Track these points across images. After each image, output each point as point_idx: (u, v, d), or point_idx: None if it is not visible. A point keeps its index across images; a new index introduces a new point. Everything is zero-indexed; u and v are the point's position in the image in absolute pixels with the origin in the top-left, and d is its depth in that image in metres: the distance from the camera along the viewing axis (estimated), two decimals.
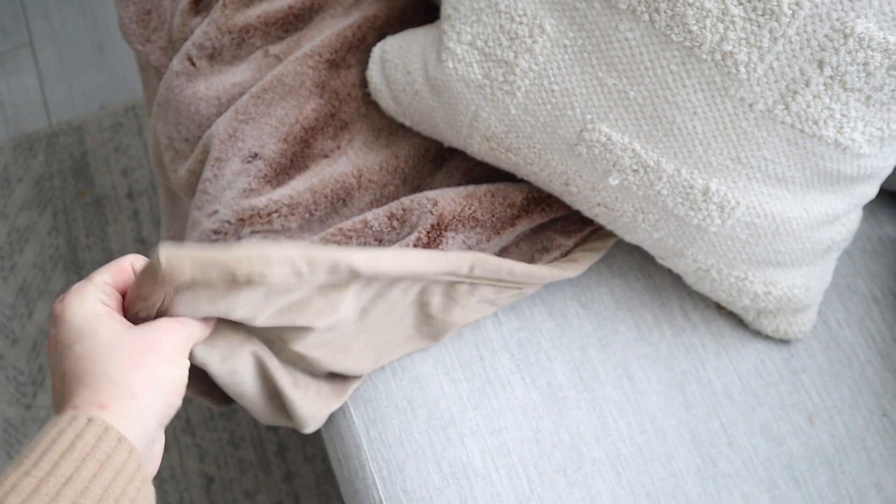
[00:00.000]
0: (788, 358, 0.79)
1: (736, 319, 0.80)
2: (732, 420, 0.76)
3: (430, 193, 0.70)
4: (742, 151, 0.61)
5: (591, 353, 0.77)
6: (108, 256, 1.40)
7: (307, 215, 0.74)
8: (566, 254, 0.75)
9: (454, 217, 0.69)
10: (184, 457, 1.29)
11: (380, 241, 0.69)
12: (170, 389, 0.46)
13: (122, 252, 1.40)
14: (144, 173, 1.44)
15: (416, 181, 0.77)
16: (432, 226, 0.68)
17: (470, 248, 0.70)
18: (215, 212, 0.74)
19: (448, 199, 0.70)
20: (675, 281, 0.80)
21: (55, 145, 1.47)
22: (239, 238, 0.73)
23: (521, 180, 0.75)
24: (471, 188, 0.72)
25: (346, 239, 0.69)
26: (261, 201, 0.72)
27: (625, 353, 0.77)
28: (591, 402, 0.75)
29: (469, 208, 0.70)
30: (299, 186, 0.74)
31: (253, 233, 0.73)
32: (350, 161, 0.76)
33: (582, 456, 0.73)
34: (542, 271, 0.71)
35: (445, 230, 0.69)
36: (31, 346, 1.35)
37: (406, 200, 0.70)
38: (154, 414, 0.45)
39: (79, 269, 1.39)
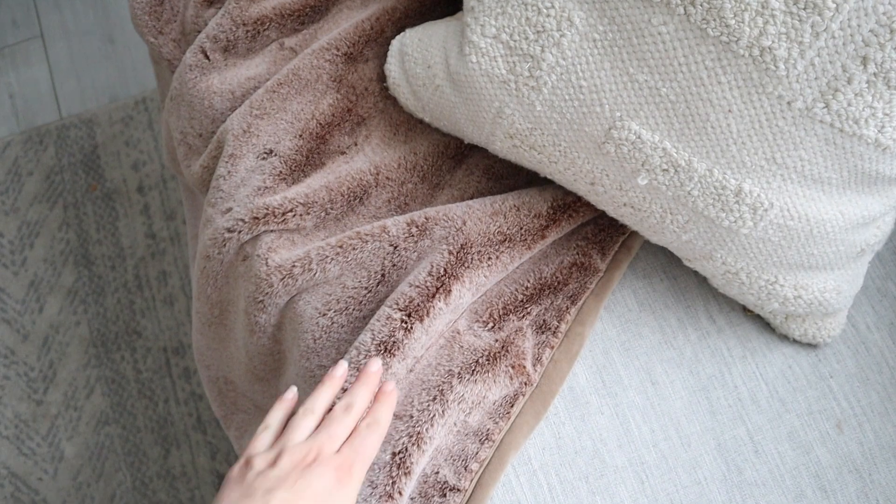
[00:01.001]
0: (816, 363, 0.77)
1: (762, 322, 0.77)
2: (759, 427, 0.73)
3: (457, 209, 0.68)
4: (778, 151, 0.58)
5: (614, 357, 0.74)
6: (119, 251, 1.38)
7: (323, 214, 0.72)
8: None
9: (481, 235, 0.67)
10: (195, 455, 1.28)
11: (395, 248, 0.67)
12: None
13: (133, 247, 1.38)
14: (155, 167, 1.42)
15: (434, 178, 0.75)
16: (461, 245, 0.66)
17: (502, 264, 0.68)
18: (229, 209, 0.72)
19: (475, 218, 0.68)
20: (700, 282, 0.77)
21: (66, 139, 1.45)
22: (253, 236, 0.72)
23: (544, 182, 0.72)
24: (496, 204, 0.70)
25: (362, 243, 0.67)
26: (275, 199, 0.70)
27: (648, 357, 0.75)
28: (614, 407, 0.73)
29: (495, 225, 0.68)
30: (315, 184, 0.72)
31: (267, 231, 0.71)
32: (367, 158, 0.74)
33: (604, 463, 0.71)
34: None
35: (472, 248, 0.67)
36: (42, 341, 1.34)
37: (431, 211, 0.68)
38: None
39: (89, 265, 1.37)
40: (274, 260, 0.70)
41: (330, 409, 0.57)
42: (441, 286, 0.65)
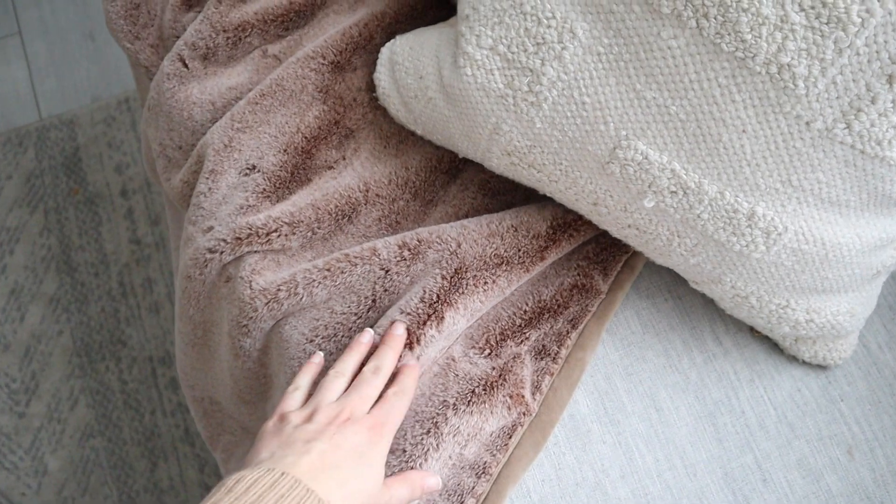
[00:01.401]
0: (826, 385, 0.73)
1: (770, 343, 0.74)
2: (767, 454, 0.70)
3: (451, 231, 0.64)
4: (794, 173, 0.54)
5: (617, 382, 0.71)
6: (103, 258, 1.34)
7: (309, 234, 0.68)
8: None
9: (476, 258, 0.63)
10: (183, 468, 1.24)
11: (386, 272, 0.63)
12: (371, 490, 0.52)
13: (116, 253, 1.34)
14: (139, 170, 1.38)
15: (427, 195, 0.71)
16: (456, 270, 0.62)
17: (499, 288, 0.64)
18: (210, 228, 0.68)
19: (470, 240, 0.64)
20: (706, 302, 0.74)
21: (46, 140, 1.41)
22: (236, 257, 0.68)
23: (543, 198, 0.69)
24: (493, 224, 0.66)
25: (351, 266, 0.63)
26: (259, 219, 0.66)
27: (652, 382, 0.71)
28: (617, 435, 0.69)
29: (491, 247, 0.64)
30: (301, 202, 0.68)
31: (251, 252, 0.67)
32: (356, 173, 0.70)
33: (607, 495, 0.68)
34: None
35: (467, 272, 0.63)
36: (24, 351, 1.30)
37: (423, 232, 0.64)
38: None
39: (72, 272, 1.33)
40: (258, 283, 0.66)
41: (358, 373, 0.60)
42: (434, 313, 0.61)
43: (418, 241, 0.63)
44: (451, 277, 0.62)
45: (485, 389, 0.64)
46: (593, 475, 0.68)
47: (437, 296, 0.62)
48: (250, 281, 0.66)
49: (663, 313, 0.74)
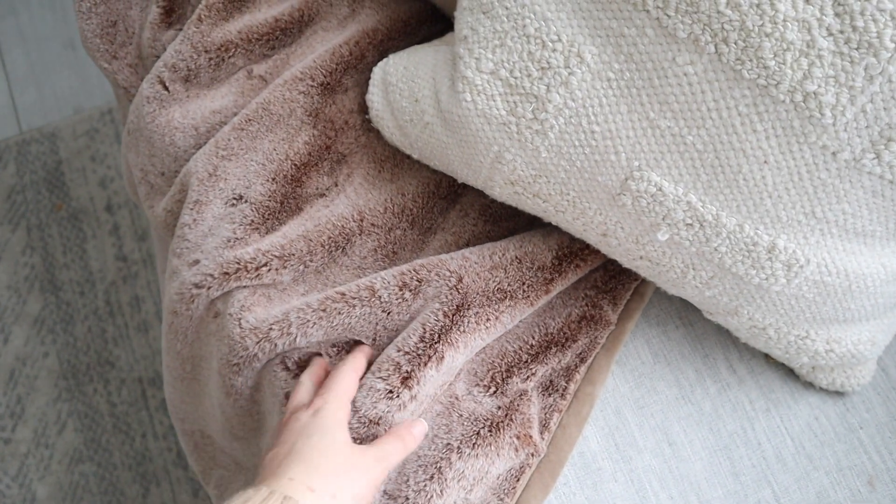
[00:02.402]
0: (844, 412, 0.70)
1: (786, 369, 0.71)
2: (785, 488, 0.67)
3: (451, 264, 0.61)
4: (818, 205, 0.51)
5: (628, 416, 0.68)
6: (88, 276, 1.30)
7: (301, 267, 0.64)
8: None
9: (479, 294, 0.60)
10: (176, 492, 1.20)
11: (388, 314, 0.60)
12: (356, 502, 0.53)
13: (103, 271, 1.30)
14: (124, 184, 1.34)
15: (426, 223, 0.67)
16: (457, 307, 0.59)
17: (502, 324, 0.61)
18: (196, 262, 0.64)
19: (472, 273, 0.60)
20: (719, 328, 0.71)
21: (26, 154, 1.36)
22: (224, 292, 0.64)
23: (548, 224, 0.65)
24: (496, 256, 0.62)
25: (349, 307, 0.59)
26: (248, 252, 0.63)
27: (665, 415, 0.68)
28: (629, 473, 0.66)
29: (494, 280, 0.61)
30: (291, 233, 0.64)
31: (240, 287, 0.64)
32: (349, 200, 0.66)
33: None
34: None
35: (469, 309, 0.59)
36: (8, 374, 1.25)
37: (422, 270, 0.60)
38: None
39: (57, 291, 1.29)
40: (248, 321, 0.62)
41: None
42: (434, 354, 0.58)
43: (418, 280, 0.60)
44: (453, 315, 0.59)
45: (490, 431, 0.61)
46: None
47: (439, 335, 0.58)
48: (240, 318, 0.63)
49: (674, 341, 0.70)
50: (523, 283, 0.61)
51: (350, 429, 0.57)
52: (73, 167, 1.36)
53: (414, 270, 0.60)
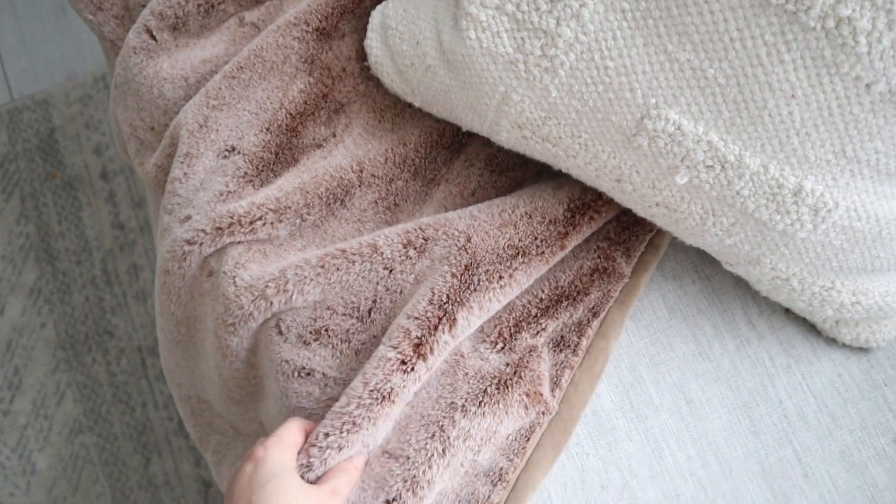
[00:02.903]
0: (868, 369, 0.67)
1: (807, 325, 0.68)
2: (807, 447, 0.64)
3: (459, 222, 0.57)
4: (849, 143, 0.48)
5: (643, 373, 0.65)
6: (84, 244, 1.27)
7: (298, 220, 0.61)
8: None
9: (489, 252, 0.57)
10: (178, 461, 1.19)
11: (390, 272, 0.57)
12: None
13: (99, 239, 1.27)
14: (117, 146, 1.30)
15: (428, 173, 0.64)
16: (466, 266, 0.56)
17: (517, 283, 0.58)
18: (188, 217, 0.61)
19: (481, 231, 0.57)
20: (737, 282, 0.67)
21: (19, 122, 1.33)
22: (218, 248, 0.61)
23: (557, 174, 0.62)
24: (505, 213, 0.59)
25: (348, 263, 0.56)
26: (241, 206, 0.60)
27: (681, 372, 0.65)
28: (645, 432, 0.63)
29: (505, 237, 0.57)
30: (287, 186, 0.61)
31: (234, 243, 0.61)
32: (348, 151, 0.63)
33: (635, 498, 0.62)
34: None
35: (479, 267, 0.56)
36: (5, 346, 1.23)
37: (428, 229, 0.57)
38: None
39: (52, 260, 1.26)
40: (243, 278, 0.59)
41: None
42: (444, 315, 0.55)
43: (424, 238, 0.57)
44: (462, 275, 0.56)
45: (498, 388, 0.58)
46: (620, 476, 0.62)
47: (447, 296, 0.55)
48: (234, 276, 0.60)
49: (691, 296, 0.67)
50: (535, 239, 0.58)
51: (361, 404, 0.54)
52: (66, 135, 1.32)
53: (419, 229, 0.57)
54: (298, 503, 0.50)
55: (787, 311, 0.68)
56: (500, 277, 0.56)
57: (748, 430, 0.64)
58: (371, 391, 0.53)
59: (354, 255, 0.56)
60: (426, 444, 0.56)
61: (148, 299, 1.25)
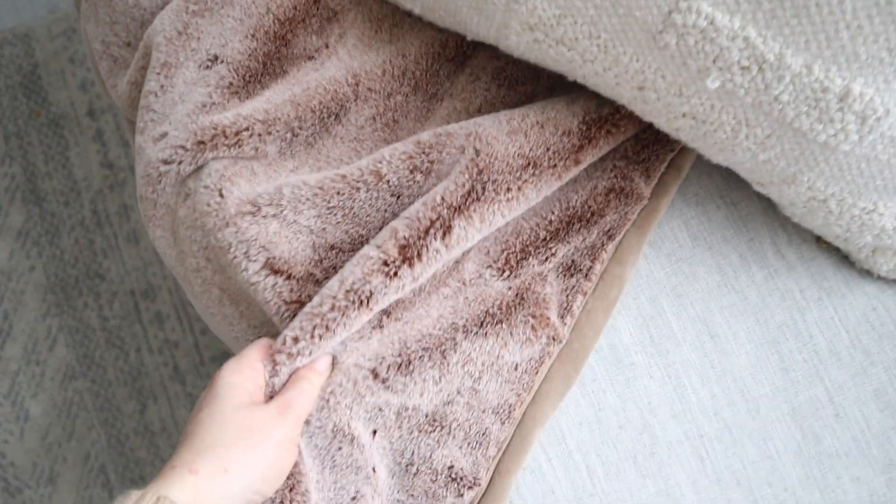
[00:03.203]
0: None
1: (840, 255, 0.63)
2: (839, 385, 0.60)
3: (461, 135, 0.52)
4: None
5: (664, 305, 0.60)
6: (73, 185, 1.22)
7: (289, 135, 0.55)
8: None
9: (497, 159, 0.51)
10: (174, 407, 1.15)
11: (398, 198, 0.52)
12: (263, 476, 0.45)
13: (88, 179, 1.22)
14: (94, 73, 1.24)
15: (430, 87, 0.58)
16: (470, 175, 0.50)
17: (525, 197, 0.52)
18: (164, 135, 0.56)
19: (488, 138, 0.52)
20: (765, 208, 0.62)
21: (0, 58, 1.26)
22: (198, 167, 0.55)
23: (572, 88, 0.56)
24: (514, 122, 0.53)
25: (351, 189, 0.51)
26: (226, 117, 0.54)
27: (705, 304, 0.60)
28: (666, 368, 0.59)
29: (514, 145, 0.52)
30: (277, 98, 0.56)
31: (216, 159, 0.55)
32: (342, 63, 0.57)
33: (655, 438, 0.58)
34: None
35: (482, 174, 0.51)
36: None
37: (432, 151, 0.52)
38: (239, 495, 0.44)
39: (40, 202, 1.21)
40: (231, 191, 0.53)
41: None
42: (437, 219, 0.49)
43: (430, 162, 0.51)
44: (465, 183, 0.50)
45: (500, 309, 0.53)
46: (639, 415, 0.58)
47: (443, 198, 0.50)
48: (220, 188, 0.53)
49: (716, 223, 0.62)
50: (548, 149, 0.53)
51: (336, 306, 0.49)
52: (50, 70, 1.26)
53: (423, 152, 0.51)
54: (233, 424, 0.45)
55: (819, 240, 0.63)
56: (508, 189, 0.51)
57: (776, 367, 0.60)
58: (347, 291, 0.48)
59: (358, 182, 0.51)
60: (422, 371, 0.51)
61: (140, 241, 1.20)
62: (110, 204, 1.21)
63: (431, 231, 0.49)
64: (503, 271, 0.55)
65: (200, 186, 0.53)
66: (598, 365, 0.58)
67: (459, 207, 0.50)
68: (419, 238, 0.49)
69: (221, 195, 0.52)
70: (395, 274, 0.49)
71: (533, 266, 0.55)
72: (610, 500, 0.57)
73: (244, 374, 0.48)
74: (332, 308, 0.48)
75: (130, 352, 1.17)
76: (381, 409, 0.51)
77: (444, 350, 0.51)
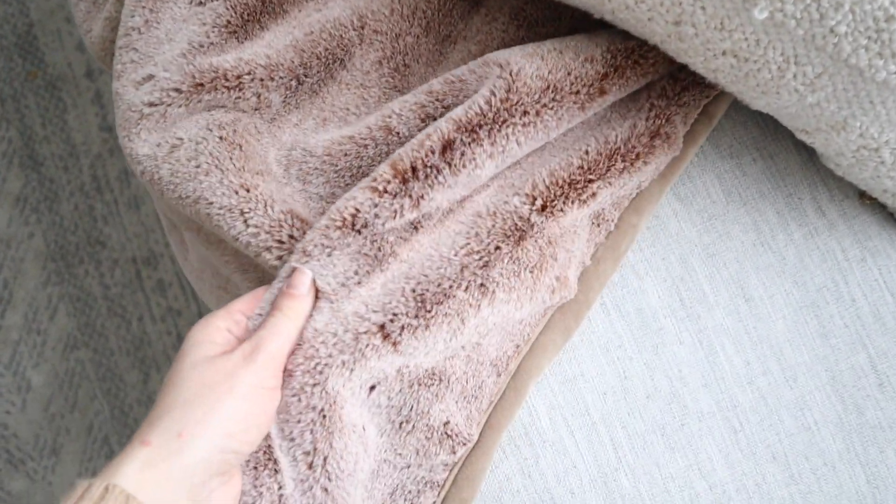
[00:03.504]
0: None
1: (885, 212, 0.58)
2: (883, 352, 0.55)
3: (474, 77, 0.47)
4: None
5: (695, 265, 0.55)
6: (71, 149, 1.18)
7: (294, 83, 0.51)
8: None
9: (512, 78, 0.46)
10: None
11: None
12: (229, 432, 0.40)
13: (87, 143, 1.18)
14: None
15: (443, 28, 0.54)
16: (485, 99, 0.45)
17: (544, 124, 0.47)
18: (150, 77, 0.50)
19: (515, 60, 0.47)
20: (805, 161, 0.57)
21: None
22: (187, 107, 0.50)
23: (595, 27, 0.51)
24: (528, 48, 0.48)
25: (359, 147, 0.47)
26: (227, 60, 0.49)
27: (740, 265, 0.56)
28: (697, 334, 0.54)
29: (532, 66, 0.47)
30: (278, 43, 0.51)
31: (213, 107, 0.50)
32: (346, 3, 0.52)
33: (686, 409, 0.54)
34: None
35: (495, 96, 0.46)
36: None
37: (446, 97, 0.47)
38: (202, 458, 0.39)
39: (38, 166, 1.17)
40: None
41: None
42: (436, 135, 0.45)
43: (444, 108, 0.47)
44: (472, 105, 0.45)
45: (531, 272, 0.48)
46: (668, 385, 0.54)
47: (442, 112, 0.46)
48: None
49: (751, 177, 0.57)
50: (569, 73, 0.47)
51: (325, 234, 0.45)
52: (46, 30, 1.22)
53: (436, 100, 0.47)
54: (190, 381, 0.40)
55: (863, 196, 0.58)
56: (525, 113, 0.46)
57: (816, 333, 0.55)
58: (333, 218, 0.45)
59: (366, 140, 0.47)
60: (437, 335, 0.46)
61: (141, 207, 1.16)
62: (110, 169, 1.17)
63: (427, 144, 0.44)
64: (533, 199, 0.48)
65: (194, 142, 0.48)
66: (624, 330, 0.54)
67: (464, 124, 0.45)
68: (414, 151, 0.44)
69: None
70: (385, 190, 0.44)
71: (573, 207, 0.49)
72: (636, 474, 0.53)
73: (213, 326, 0.43)
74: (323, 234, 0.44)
75: (132, 320, 1.14)
76: (382, 370, 0.46)
77: (465, 317, 0.47)
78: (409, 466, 0.48)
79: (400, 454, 0.48)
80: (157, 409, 0.40)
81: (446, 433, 0.49)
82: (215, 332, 0.43)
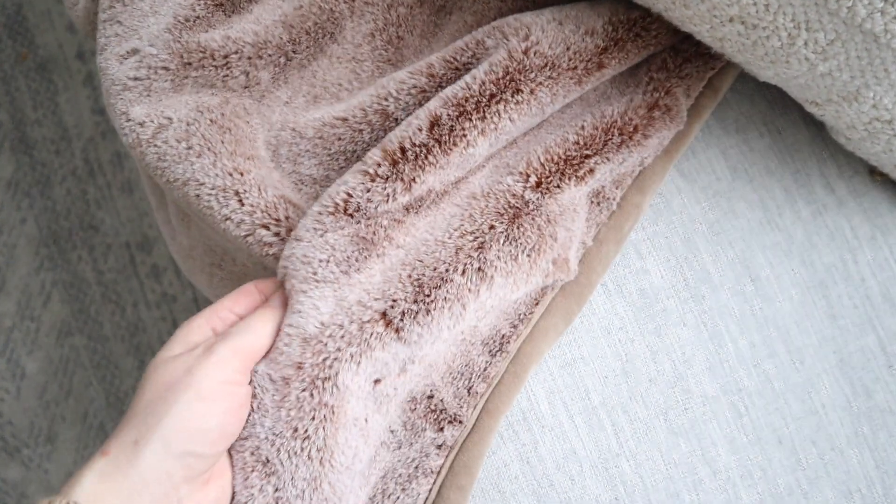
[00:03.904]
0: None
1: (895, 189, 0.56)
2: (893, 333, 0.54)
3: (467, 53, 0.45)
4: None
5: (699, 244, 0.54)
6: (63, 132, 1.16)
7: (282, 59, 0.49)
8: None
9: (504, 57, 0.44)
10: None
11: None
12: (188, 435, 0.38)
13: (79, 126, 1.16)
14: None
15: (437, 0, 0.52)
16: (477, 77, 0.43)
17: (538, 101, 0.45)
18: (134, 52, 0.49)
19: (497, 38, 0.45)
20: (813, 136, 0.55)
21: None
22: (173, 82, 0.48)
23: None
24: (526, 14, 0.46)
25: (354, 133, 0.45)
26: (214, 39, 0.48)
27: (746, 244, 0.54)
28: (701, 315, 0.53)
29: (530, 40, 0.45)
30: (267, 17, 0.49)
31: (201, 85, 0.49)
32: None
33: (689, 393, 0.52)
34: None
35: (492, 75, 0.44)
36: None
37: (444, 67, 0.45)
38: (156, 465, 0.37)
39: (29, 150, 1.15)
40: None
41: None
42: (425, 115, 0.43)
43: (439, 81, 0.45)
44: (464, 81, 0.44)
45: (529, 255, 0.46)
46: (671, 367, 0.52)
47: (435, 89, 0.44)
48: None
49: (758, 153, 0.55)
50: (567, 48, 0.45)
51: (317, 219, 0.43)
52: (36, 10, 1.19)
53: (438, 86, 0.45)
54: (150, 384, 0.39)
55: (873, 172, 0.56)
56: (518, 90, 0.44)
57: (824, 314, 0.53)
58: (325, 204, 0.43)
59: (361, 124, 0.45)
60: (440, 322, 0.45)
61: (135, 191, 1.14)
62: (103, 152, 1.15)
63: (415, 122, 0.43)
64: (527, 176, 0.47)
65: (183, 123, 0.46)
66: (626, 311, 0.52)
67: (450, 98, 0.43)
68: (402, 132, 0.43)
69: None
70: (376, 174, 0.43)
71: (570, 183, 0.47)
72: (638, 460, 0.51)
73: (193, 324, 0.41)
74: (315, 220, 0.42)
75: (127, 306, 1.12)
76: (387, 364, 0.45)
77: (465, 302, 0.45)
78: (400, 446, 0.47)
79: (392, 431, 0.47)
80: (124, 416, 0.39)
81: (430, 408, 0.47)
82: (194, 329, 0.41)
